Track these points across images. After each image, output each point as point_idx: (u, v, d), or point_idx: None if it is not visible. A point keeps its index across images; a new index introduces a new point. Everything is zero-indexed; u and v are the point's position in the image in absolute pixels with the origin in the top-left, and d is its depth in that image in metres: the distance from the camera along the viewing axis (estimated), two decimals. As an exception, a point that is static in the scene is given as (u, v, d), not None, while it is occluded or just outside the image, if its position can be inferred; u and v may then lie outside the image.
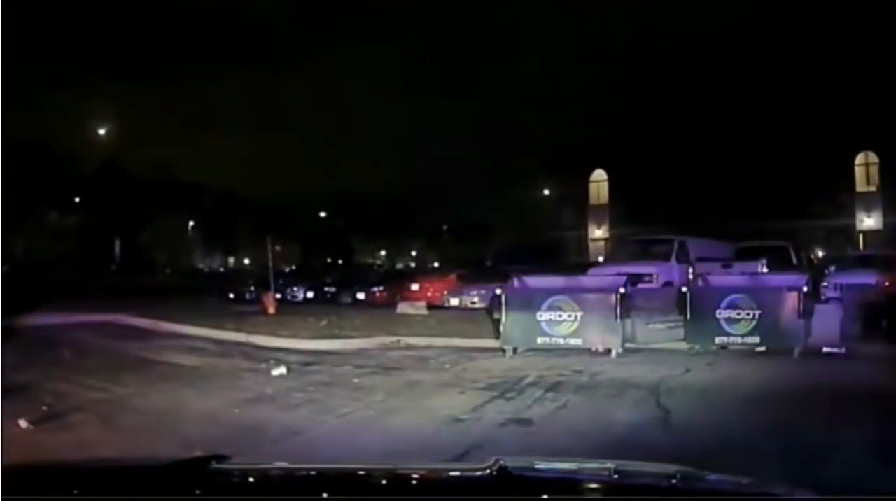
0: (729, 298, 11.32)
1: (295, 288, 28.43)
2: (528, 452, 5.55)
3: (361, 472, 2.07)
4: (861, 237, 35.40)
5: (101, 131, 40.29)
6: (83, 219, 48.23)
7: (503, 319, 11.56)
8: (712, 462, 2.38)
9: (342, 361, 10.87)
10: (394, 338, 13.11)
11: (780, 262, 16.77)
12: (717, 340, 11.27)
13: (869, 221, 36.53)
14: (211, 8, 61.31)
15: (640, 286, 14.05)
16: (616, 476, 1.98)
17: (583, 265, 21.43)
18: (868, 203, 36.60)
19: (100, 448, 5.85)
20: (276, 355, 11.21)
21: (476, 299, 20.60)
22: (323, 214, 60.98)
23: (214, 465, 1.94)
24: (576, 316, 11.22)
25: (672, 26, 52.07)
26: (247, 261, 56.18)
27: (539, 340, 11.33)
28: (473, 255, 40.91)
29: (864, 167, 37.00)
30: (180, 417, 7.09)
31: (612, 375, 9.34)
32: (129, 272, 41.95)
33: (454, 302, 21.68)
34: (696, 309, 11.42)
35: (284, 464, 2.38)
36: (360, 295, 26.00)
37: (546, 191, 45.06)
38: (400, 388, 8.65)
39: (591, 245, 41.50)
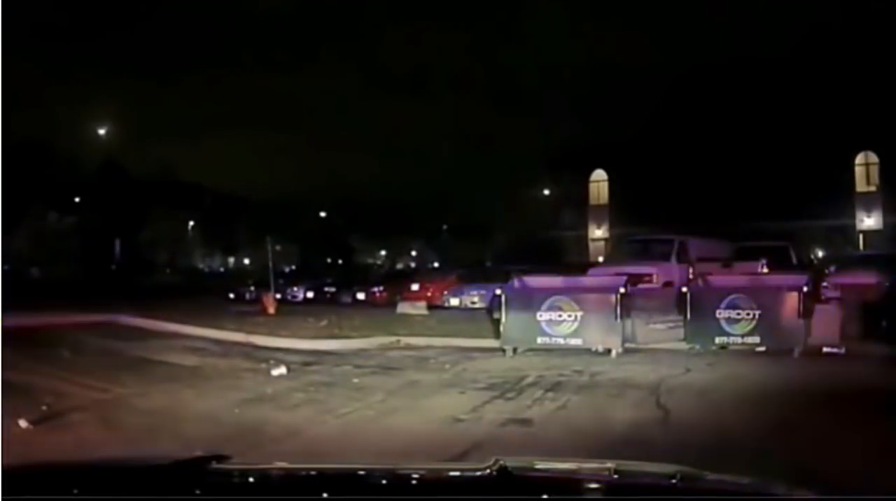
0: (729, 298, 11.32)
1: (295, 288, 28.45)
2: (528, 452, 5.55)
3: (361, 472, 2.06)
4: (861, 237, 35.32)
5: (101, 131, 40.28)
6: (83, 219, 48.18)
7: (503, 319, 11.57)
8: (712, 462, 2.38)
9: (342, 361, 10.88)
10: (394, 338, 13.11)
11: (780, 262, 16.75)
12: (717, 340, 11.28)
13: (869, 221, 36.46)
14: (212, 8, 61.29)
15: (640, 286, 14.03)
16: (616, 476, 1.98)
17: (583, 265, 21.39)
18: (868, 203, 36.53)
19: (100, 448, 5.85)
20: (276, 355, 11.21)
21: (476, 299, 20.60)
22: (323, 214, 60.97)
23: (214, 465, 1.94)
24: (576, 316, 11.22)
25: (672, 26, 52.12)
26: (247, 261, 56.14)
27: (539, 340, 11.33)
28: (473, 255, 40.87)
29: (864, 167, 36.94)
30: (180, 417, 7.08)
31: (612, 375, 9.35)
32: (129, 272, 41.92)
33: (454, 302, 21.69)
34: (696, 309, 11.42)
35: (284, 464, 2.38)
36: (360, 295, 26.02)
37: (546, 191, 45.04)
38: (400, 388, 8.66)
39: (591, 245, 41.42)
